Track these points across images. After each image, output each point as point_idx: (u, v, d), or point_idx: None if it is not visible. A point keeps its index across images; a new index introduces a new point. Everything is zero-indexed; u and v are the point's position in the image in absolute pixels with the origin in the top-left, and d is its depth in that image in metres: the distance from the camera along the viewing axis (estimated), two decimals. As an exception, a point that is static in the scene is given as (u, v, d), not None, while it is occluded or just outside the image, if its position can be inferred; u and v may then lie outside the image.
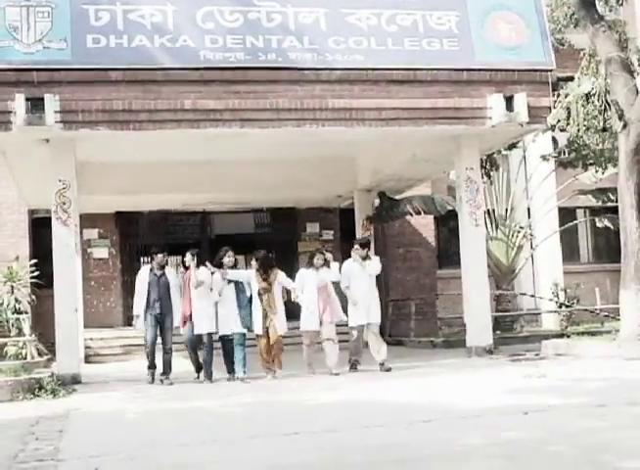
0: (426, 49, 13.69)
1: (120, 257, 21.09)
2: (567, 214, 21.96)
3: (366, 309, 12.97)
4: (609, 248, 22.74)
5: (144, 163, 16.54)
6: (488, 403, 8.74)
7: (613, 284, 17.94)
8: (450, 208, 17.90)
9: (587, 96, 17.83)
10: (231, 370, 12.66)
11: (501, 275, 19.67)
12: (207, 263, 12.71)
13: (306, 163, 17.58)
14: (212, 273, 12.53)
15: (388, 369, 12.76)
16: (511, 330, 18.73)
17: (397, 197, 19.47)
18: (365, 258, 13.26)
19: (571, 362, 12.92)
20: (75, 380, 12.79)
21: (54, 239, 13.21)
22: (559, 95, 17.67)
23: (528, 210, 21.46)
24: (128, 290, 18.67)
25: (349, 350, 13.19)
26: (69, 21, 12.55)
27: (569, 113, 18.04)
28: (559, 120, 17.95)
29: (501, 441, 6.64)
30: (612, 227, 18.37)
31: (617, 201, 14.74)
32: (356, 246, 13.44)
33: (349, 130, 13.75)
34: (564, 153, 19.47)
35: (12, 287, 16.89)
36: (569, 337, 16.32)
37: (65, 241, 13.22)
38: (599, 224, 19.80)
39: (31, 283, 17.45)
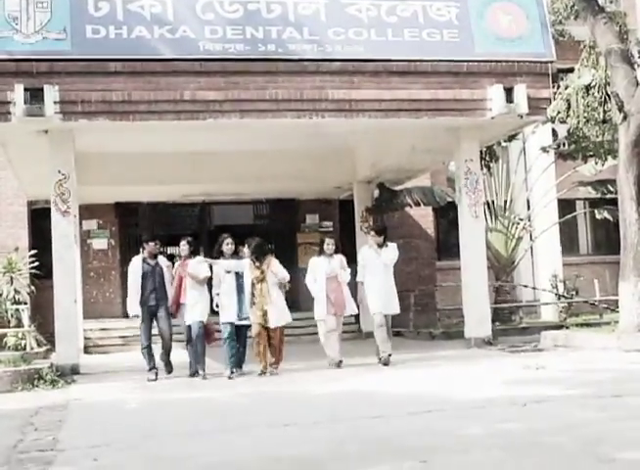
0: (426, 40, 13.67)
1: (120, 247, 21.06)
2: (566, 206, 21.96)
3: (384, 299, 12.52)
4: (608, 240, 22.76)
5: (143, 153, 16.53)
6: (487, 395, 8.76)
7: (612, 276, 17.96)
8: (450, 199, 17.90)
9: (587, 88, 17.81)
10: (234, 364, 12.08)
11: (500, 267, 19.67)
12: (201, 255, 12.66)
13: (306, 154, 17.58)
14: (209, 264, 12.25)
15: (387, 363, 12.36)
16: (510, 321, 18.73)
17: (397, 188, 19.46)
18: (381, 245, 12.77)
19: (570, 354, 12.95)
20: (75, 371, 12.79)
21: (53, 230, 13.21)
22: (559, 87, 17.65)
23: (528, 201, 21.45)
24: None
25: (376, 341, 12.59)
26: (69, 11, 12.51)
27: (568, 104, 18.02)
28: (559, 112, 17.93)
29: (500, 432, 6.65)
30: (611, 219, 18.37)
31: (616, 193, 14.75)
32: (372, 232, 13.08)
33: (349, 121, 13.74)
34: (563, 145, 19.45)
35: (11, 278, 16.90)
36: (567, 328, 16.33)
37: (64, 232, 13.22)
38: (598, 216, 19.78)
39: (31, 274, 17.46)
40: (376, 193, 19.71)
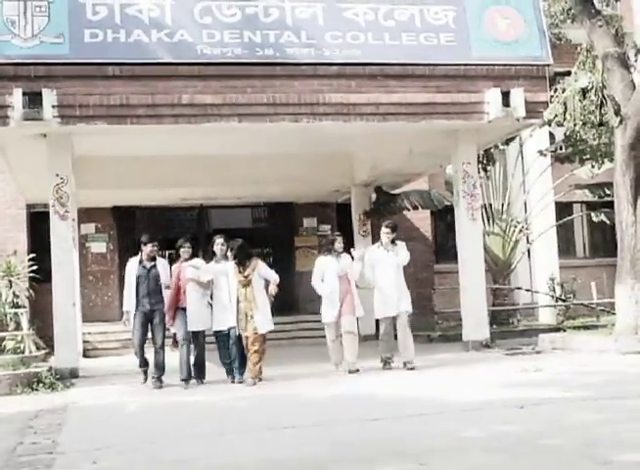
0: (423, 44, 13.68)
1: (118, 251, 21.03)
2: (563, 209, 21.97)
3: (394, 300, 12.05)
4: (605, 242, 22.78)
5: (141, 157, 16.52)
6: (486, 397, 8.77)
7: (609, 278, 17.95)
8: (447, 202, 17.91)
9: (584, 91, 17.78)
10: (229, 371, 11.66)
11: (498, 269, 19.68)
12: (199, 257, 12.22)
13: (304, 157, 17.59)
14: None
15: (412, 368, 11.86)
16: (507, 324, 18.74)
17: (394, 192, 19.49)
18: (392, 242, 12.29)
19: (568, 356, 12.96)
20: (74, 374, 12.79)
21: (52, 233, 13.21)
22: (556, 90, 17.64)
23: (525, 204, 21.47)
24: (126, 284, 18.69)
25: (379, 346, 12.34)
26: (67, 15, 12.51)
27: (565, 108, 17.99)
28: (556, 115, 17.90)
29: (499, 434, 6.66)
30: (608, 222, 18.40)
31: (613, 196, 14.76)
32: (385, 229, 12.36)
33: (347, 125, 13.73)
34: (560, 148, 19.45)
35: (10, 281, 16.88)
36: (565, 331, 16.32)
37: (62, 235, 13.22)
38: (595, 219, 19.81)
39: (29, 277, 17.45)
40: (373, 196, 19.72)
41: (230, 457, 6.34)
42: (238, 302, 11.28)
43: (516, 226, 19.97)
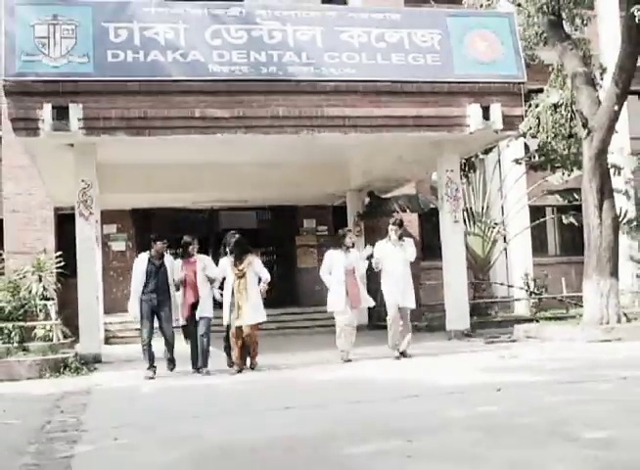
0: (411, 63, 13.69)
1: (136, 249, 20.97)
2: (536, 212, 21.94)
3: (401, 293, 11.55)
4: (574, 242, 22.73)
5: (158, 164, 16.52)
6: (466, 381, 8.77)
7: (577, 274, 17.94)
8: (433, 206, 17.91)
9: (555, 106, 17.83)
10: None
11: (478, 266, 19.68)
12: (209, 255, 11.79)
13: (304, 165, 17.59)
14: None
15: (407, 356, 11.51)
16: (486, 315, 18.73)
17: (385, 196, 19.49)
18: (399, 238, 11.72)
19: (540, 344, 12.96)
20: (96, 359, 12.79)
21: (77, 233, 13.20)
22: (530, 105, 17.66)
23: (502, 207, 21.47)
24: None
25: (389, 333, 11.68)
26: (92, 37, 12.53)
27: (539, 121, 18.04)
28: (530, 128, 17.95)
29: (478, 414, 6.66)
30: (576, 224, 18.38)
31: (581, 200, 14.76)
32: (392, 226, 11.76)
33: (342, 136, 13.73)
34: (534, 157, 19.47)
35: (40, 276, 16.84)
36: (538, 321, 16.33)
37: (87, 235, 13.22)
38: (565, 221, 19.80)
39: (57, 273, 17.40)
40: (366, 200, 19.73)
41: (235, 434, 6.33)
42: (232, 294, 10.85)
43: (494, 227, 19.99)
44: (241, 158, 16.34)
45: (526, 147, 20.46)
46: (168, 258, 11.21)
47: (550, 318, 17.13)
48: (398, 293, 11.56)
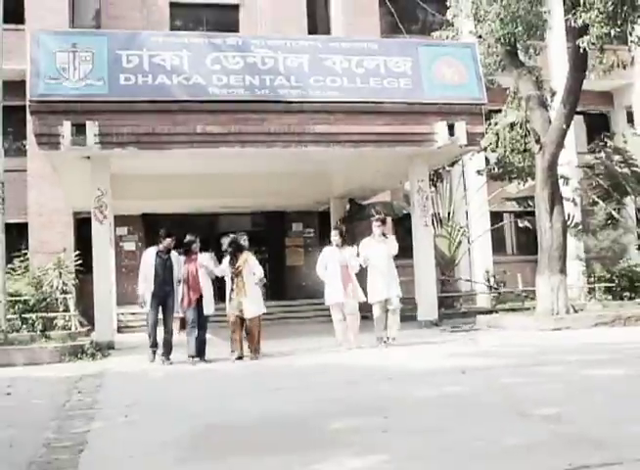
0: (386, 87, 13.70)
1: (146, 249, 20.94)
2: (496, 217, 22.02)
3: (385, 285, 10.98)
4: (528, 243, 22.77)
5: (165, 175, 16.46)
6: (435, 365, 8.77)
7: (531, 271, 18.02)
8: (405, 211, 17.93)
9: (512, 125, 17.91)
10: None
11: (445, 264, 19.71)
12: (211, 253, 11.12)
13: (293, 175, 17.56)
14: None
15: (391, 342, 11.12)
16: (452, 307, 18.76)
17: (364, 203, 19.52)
18: (384, 235, 11.32)
19: (500, 332, 12.99)
20: (110, 346, 12.71)
21: (93, 235, 13.15)
22: (490, 124, 17.73)
23: (466, 213, 21.52)
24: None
25: (375, 327, 11.26)
26: (107, 63, 12.49)
27: (497, 137, 18.12)
28: (490, 143, 18.03)
29: (446, 394, 6.67)
30: (530, 227, 18.45)
31: (534, 206, 14.82)
32: (376, 222, 11.37)
33: (327, 150, 13.74)
34: (494, 169, 19.52)
35: (60, 273, 16.76)
36: (497, 313, 16.37)
37: (101, 237, 13.16)
38: (521, 225, 19.91)
39: (75, 270, 17.33)
40: (347, 206, 19.75)
41: (234, 413, 6.31)
42: (231, 290, 10.47)
43: (459, 230, 20.03)
44: (237, 169, 16.31)
45: (487, 160, 20.52)
46: (174, 254, 10.76)
47: (508, 310, 17.13)
48: (384, 285, 10.98)
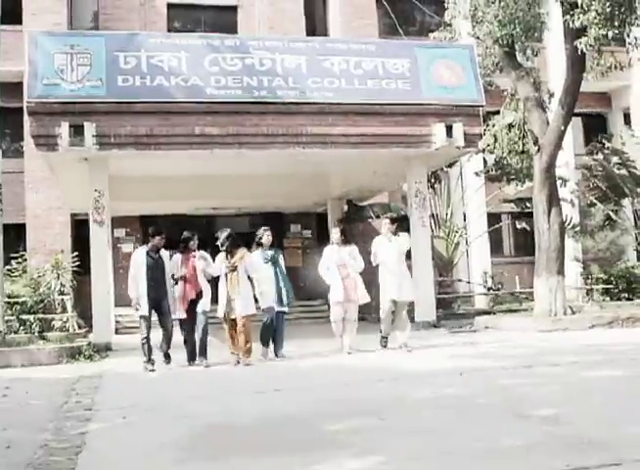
0: (384, 88, 13.71)
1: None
2: (493, 218, 22.02)
3: (397, 285, 10.60)
4: (526, 244, 22.80)
5: (163, 176, 16.44)
6: (433, 366, 8.77)
7: (529, 273, 18.02)
8: (403, 212, 17.92)
9: (510, 126, 17.93)
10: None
11: (442, 265, 19.71)
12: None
13: (291, 177, 17.56)
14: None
15: (409, 351, 10.52)
16: (450, 309, 18.73)
17: (361, 204, 19.51)
18: (394, 233, 10.96)
19: (497, 334, 12.98)
20: (108, 347, 12.72)
21: (91, 236, 13.15)
22: (488, 125, 17.74)
23: (464, 214, 21.51)
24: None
25: (381, 325, 11.02)
26: (104, 64, 12.49)
27: (495, 139, 18.13)
28: (488, 145, 18.03)
29: (444, 395, 6.67)
30: (528, 228, 18.45)
31: (532, 208, 14.83)
32: (386, 221, 11.22)
33: (324, 151, 13.73)
34: (491, 170, 19.54)
35: (58, 274, 16.75)
36: (495, 314, 16.38)
37: (99, 238, 13.16)
38: (518, 226, 19.88)
39: (73, 271, 17.32)
40: (345, 208, 19.74)
41: (232, 414, 6.30)
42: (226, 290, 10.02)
43: (457, 231, 20.03)
44: (235, 170, 16.30)
45: (485, 161, 20.53)
46: (165, 253, 10.31)
47: (506, 311, 17.14)
48: (395, 285, 10.60)
